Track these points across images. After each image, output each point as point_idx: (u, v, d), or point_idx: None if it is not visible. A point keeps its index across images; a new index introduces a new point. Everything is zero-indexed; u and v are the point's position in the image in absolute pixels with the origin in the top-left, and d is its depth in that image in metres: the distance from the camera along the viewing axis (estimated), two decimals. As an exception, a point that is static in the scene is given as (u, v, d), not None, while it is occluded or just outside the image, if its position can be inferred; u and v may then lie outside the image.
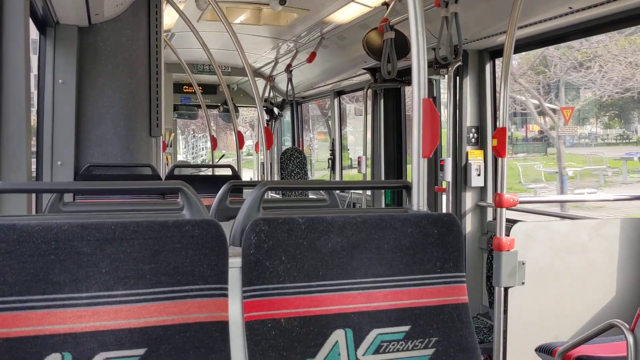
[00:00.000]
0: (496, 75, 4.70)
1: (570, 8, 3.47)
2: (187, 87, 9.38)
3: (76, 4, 3.54)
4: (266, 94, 8.48)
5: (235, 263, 1.53)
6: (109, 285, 1.39)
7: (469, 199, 4.73)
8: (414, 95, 1.78)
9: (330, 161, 7.65)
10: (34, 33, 3.91)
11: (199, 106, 9.36)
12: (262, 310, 1.51)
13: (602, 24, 3.62)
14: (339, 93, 7.58)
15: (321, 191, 2.63)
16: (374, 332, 1.59)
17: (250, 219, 1.58)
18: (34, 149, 3.98)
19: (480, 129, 4.73)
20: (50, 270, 1.35)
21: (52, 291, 1.35)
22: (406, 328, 1.62)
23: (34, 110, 4.04)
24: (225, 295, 1.49)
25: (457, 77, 4.70)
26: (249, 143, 14.41)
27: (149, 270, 1.42)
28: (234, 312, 1.51)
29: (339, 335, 1.56)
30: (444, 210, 4.84)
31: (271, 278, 1.53)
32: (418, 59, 1.75)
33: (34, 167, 3.98)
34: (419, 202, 1.79)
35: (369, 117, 6.18)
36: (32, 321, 1.33)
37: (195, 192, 1.63)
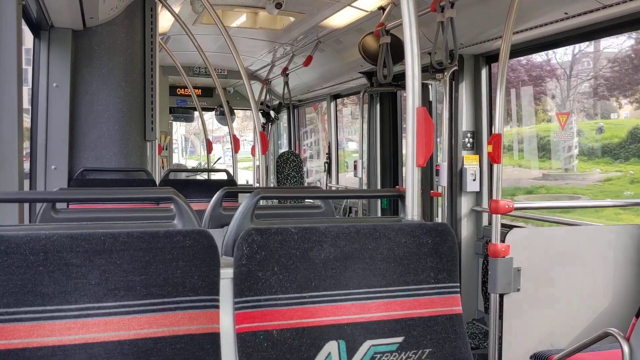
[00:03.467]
0: (492, 80, 4.69)
1: (566, 14, 3.47)
2: (182, 90, 9.37)
3: (71, 8, 3.52)
4: (262, 97, 8.47)
5: (227, 274, 1.51)
6: (99, 297, 1.37)
7: (464, 204, 4.72)
8: (409, 103, 1.77)
9: (326, 165, 7.65)
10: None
11: (195, 109, 9.35)
12: (254, 322, 1.49)
13: (598, 30, 3.62)
14: (335, 97, 7.57)
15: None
16: (367, 344, 1.57)
17: (243, 228, 1.56)
18: (28, 153, 3.97)
19: (475, 134, 4.72)
20: (38, 281, 1.33)
21: (40, 303, 1.33)
22: (400, 339, 1.60)
23: (28, 115, 4.02)
24: (217, 307, 1.47)
25: (453, 82, 4.70)
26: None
27: (139, 282, 1.40)
28: (226, 323, 1.49)
29: (332, 347, 1.54)
30: (440, 215, 4.82)
31: (263, 289, 1.51)
32: (412, 67, 1.74)
33: (27, 171, 3.97)
34: (413, 211, 1.78)
35: (365, 121, 6.18)
36: (21, 333, 1.31)
37: (186, 201, 1.61)
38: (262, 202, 1.76)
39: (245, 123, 15.86)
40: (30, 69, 4.02)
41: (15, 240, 1.32)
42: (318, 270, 1.56)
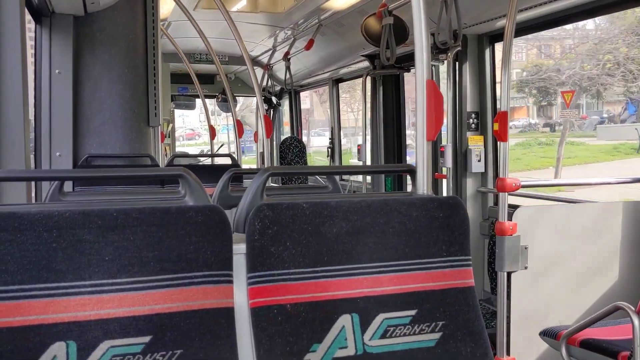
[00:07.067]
0: (496, 60, 4.67)
1: (571, -10, 3.45)
2: (184, 77, 9.34)
3: (72, -8, 3.50)
4: (264, 83, 8.44)
5: (239, 249, 1.51)
6: (113, 273, 1.37)
7: (469, 185, 4.71)
8: (418, 77, 1.75)
9: (329, 150, 7.63)
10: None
11: (197, 96, 9.33)
12: (268, 296, 1.49)
13: (605, 5, 3.59)
14: (338, 81, 7.54)
15: (323, 179, 2.61)
16: (380, 317, 1.58)
17: (254, 205, 1.56)
18: (32, 142, 3.96)
19: (480, 115, 4.71)
20: (52, 258, 1.33)
21: (54, 279, 1.33)
22: (412, 312, 1.60)
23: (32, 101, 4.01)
24: (230, 282, 1.48)
25: (457, 63, 4.67)
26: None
27: (153, 258, 1.40)
28: (240, 298, 1.50)
29: (345, 320, 1.55)
30: None
31: (276, 264, 1.51)
32: (421, 39, 1.73)
33: (32, 159, 3.96)
34: (424, 185, 1.77)
35: (368, 104, 6.16)
36: (35, 310, 1.31)
37: (197, 179, 1.60)
38: (270, 184, 1.75)
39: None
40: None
41: (28, 217, 1.32)
42: (330, 245, 1.56)
